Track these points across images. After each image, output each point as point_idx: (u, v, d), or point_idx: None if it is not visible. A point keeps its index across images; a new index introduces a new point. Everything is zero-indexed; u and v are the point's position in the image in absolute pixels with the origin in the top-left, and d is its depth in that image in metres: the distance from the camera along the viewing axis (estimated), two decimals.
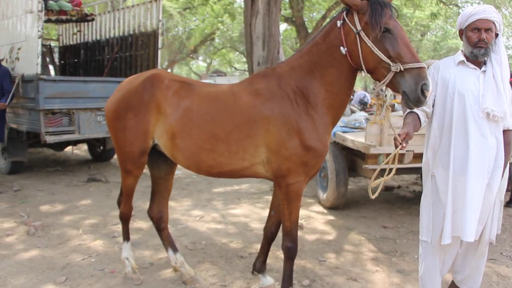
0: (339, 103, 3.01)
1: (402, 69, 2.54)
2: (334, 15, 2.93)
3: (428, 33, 29.30)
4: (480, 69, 2.97)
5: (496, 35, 2.94)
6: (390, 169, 2.91)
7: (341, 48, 2.77)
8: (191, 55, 31.26)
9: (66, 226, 5.09)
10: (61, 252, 4.30)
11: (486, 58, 2.95)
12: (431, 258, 3.17)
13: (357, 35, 2.67)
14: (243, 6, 10.98)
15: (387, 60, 2.58)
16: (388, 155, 5.12)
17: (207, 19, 21.25)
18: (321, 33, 2.95)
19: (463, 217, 2.91)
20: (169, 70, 32.22)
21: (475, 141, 2.90)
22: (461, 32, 3.04)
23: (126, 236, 3.81)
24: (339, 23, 2.79)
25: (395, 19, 2.65)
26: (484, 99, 2.90)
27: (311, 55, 2.97)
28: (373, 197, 2.91)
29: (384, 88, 2.75)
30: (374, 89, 2.84)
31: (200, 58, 38.66)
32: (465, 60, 3.01)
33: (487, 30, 2.87)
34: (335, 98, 2.97)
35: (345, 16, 2.76)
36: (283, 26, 24.09)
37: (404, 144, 2.77)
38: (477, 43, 2.89)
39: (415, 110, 3.07)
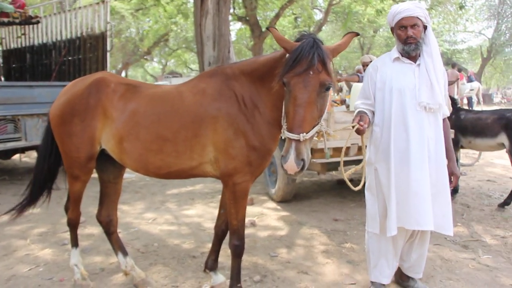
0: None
1: (282, 136, 2.61)
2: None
3: (381, 29, 30.15)
4: (415, 63, 3.10)
5: (425, 27, 3.08)
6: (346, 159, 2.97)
7: None
8: (145, 57, 30.85)
9: (13, 237, 4.93)
10: (6, 264, 4.16)
11: (418, 52, 3.09)
12: (379, 247, 3.31)
13: None
14: None
15: (283, 117, 2.64)
16: (334, 148, 5.33)
17: (160, 20, 20.99)
18: (280, 53, 2.87)
19: (408, 208, 3.03)
20: (123, 72, 31.70)
21: (414, 134, 3.02)
22: (393, 30, 3.17)
23: (75, 243, 3.75)
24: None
25: (309, 74, 2.45)
26: (419, 93, 3.03)
27: (264, 66, 2.96)
28: (357, 189, 3.02)
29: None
30: None
31: (155, 59, 38.25)
32: (400, 56, 3.14)
33: (413, 26, 3.01)
34: (280, 114, 2.89)
35: None
36: (237, 25, 24.19)
37: (361, 123, 2.85)
38: (406, 40, 3.03)
39: (362, 108, 3.20)
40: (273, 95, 2.92)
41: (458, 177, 3.29)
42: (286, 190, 5.99)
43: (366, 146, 3.16)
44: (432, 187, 3.07)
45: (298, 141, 2.43)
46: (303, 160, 2.44)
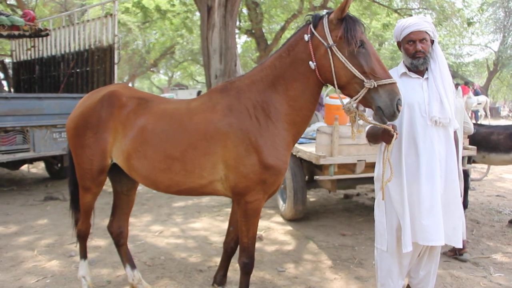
0: (302, 119, 2.93)
1: (375, 85, 2.54)
2: (299, 28, 2.88)
3: (386, 43, 30.25)
4: (423, 77, 3.11)
5: (432, 41, 3.09)
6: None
7: (310, 62, 2.72)
8: (151, 69, 31.09)
9: (20, 248, 4.93)
10: (13, 275, 4.15)
11: (426, 66, 3.09)
12: (386, 265, 3.25)
13: (328, 50, 2.63)
14: None
15: (361, 76, 2.57)
16: (339, 165, 5.17)
17: (166, 33, 21.17)
18: (285, 47, 2.89)
19: (420, 223, 3.00)
20: (130, 84, 31.88)
21: (424, 148, 3.01)
22: (399, 44, 3.17)
23: (83, 254, 3.74)
24: (306, 37, 2.73)
25: (365, 35, 2.66)
26: (430, 107, 3.01)
27: (274, 69, 2.90)
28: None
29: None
30: (344, 104, 2.72)
31: (161, 71, 38.49)
32: (407, 71, 3.14)
33: (422, 40, 3.02)
34: (298, 114, 2.89)
35: (313, 29, 2.72)
36: (243, 38, 24.35)
37: (397, 131, 2.78)
38: (415, 54, 3.03)
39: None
40: (288, 96, 2.86)
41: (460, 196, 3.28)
42: (295, 211, 5.78)
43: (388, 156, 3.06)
44: (443, 200, 3.05)
45: None
46: None
